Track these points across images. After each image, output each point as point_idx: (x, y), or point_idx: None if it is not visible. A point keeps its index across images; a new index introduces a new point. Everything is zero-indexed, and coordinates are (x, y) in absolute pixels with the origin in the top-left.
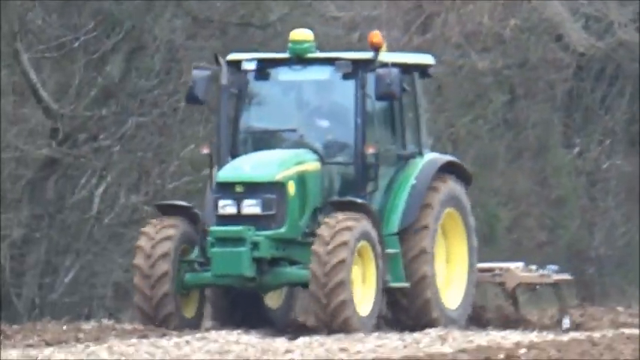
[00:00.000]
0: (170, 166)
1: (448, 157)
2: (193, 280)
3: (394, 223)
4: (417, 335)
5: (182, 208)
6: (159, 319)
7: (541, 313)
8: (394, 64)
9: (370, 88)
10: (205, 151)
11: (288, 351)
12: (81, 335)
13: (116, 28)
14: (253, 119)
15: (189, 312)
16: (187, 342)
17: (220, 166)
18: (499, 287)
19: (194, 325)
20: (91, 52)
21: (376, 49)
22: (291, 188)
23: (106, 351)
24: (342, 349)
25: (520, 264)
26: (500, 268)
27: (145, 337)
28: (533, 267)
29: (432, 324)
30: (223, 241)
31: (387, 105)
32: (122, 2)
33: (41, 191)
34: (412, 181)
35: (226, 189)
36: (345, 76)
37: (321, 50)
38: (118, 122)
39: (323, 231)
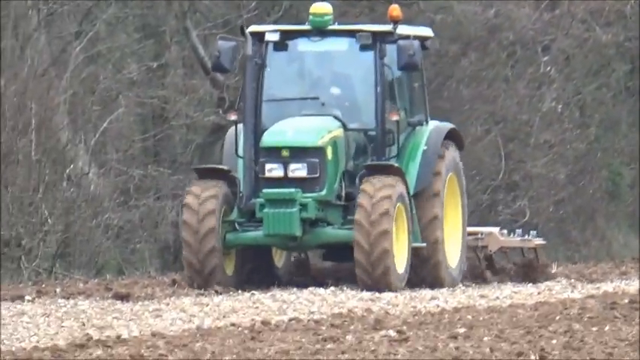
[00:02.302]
0: None
1: (449, 125)
2: (234, 239)
3: (410, 187)
4: (549, 283)
5: (221, 172)
6: (205, 272)
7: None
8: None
9: (388, 59)
10: (233, 117)
11: (433, 298)
12: (246, 285)
13: (275, 7)
14: (276, 88)
15: (230, 269)
16: (342, 290)
17: (245, 132)
18: (480, 250)
19: (235, 281)
20: None
21: (395, 22)
22: (329, 153)
23: (270, 298)
24: (482, 296)
25: (497, 229)
26: (482, 232)
27: (304, 286)
28: (504, 231)
29: (439, 283)
30: (274, 202)
31: (398, 75)
32: None
33: (209, 154)
34: (423, 147)
35: (272, 153)
36: (364, 47)
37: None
38: None
39: (363, 200)
